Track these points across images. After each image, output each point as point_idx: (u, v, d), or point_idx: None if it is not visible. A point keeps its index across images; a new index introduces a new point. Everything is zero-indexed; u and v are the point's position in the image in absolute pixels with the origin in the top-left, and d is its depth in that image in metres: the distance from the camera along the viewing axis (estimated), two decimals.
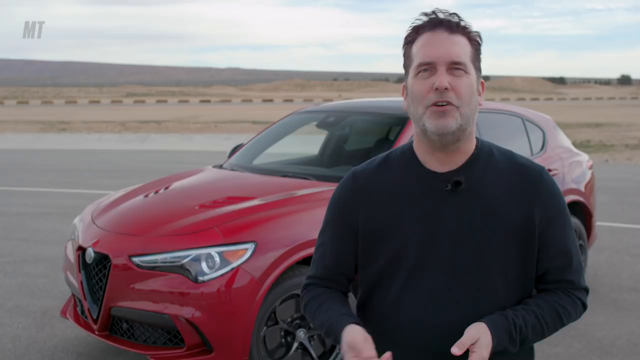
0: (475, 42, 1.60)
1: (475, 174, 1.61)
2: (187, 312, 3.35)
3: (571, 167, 5.49)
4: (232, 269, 3.38)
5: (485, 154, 1.64)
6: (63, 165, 14.51)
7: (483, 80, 1.65)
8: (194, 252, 3.43)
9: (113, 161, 15.31)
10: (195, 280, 3.37)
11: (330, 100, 40.68)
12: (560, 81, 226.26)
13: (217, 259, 3.40)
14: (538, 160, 5.20)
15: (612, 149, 18.13)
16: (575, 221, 5.29)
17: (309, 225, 3.54)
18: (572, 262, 1.66)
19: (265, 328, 3.50)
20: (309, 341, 3.59)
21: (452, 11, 1.59)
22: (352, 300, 2.34)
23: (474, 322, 1.55)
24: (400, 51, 1.65)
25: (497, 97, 78.55)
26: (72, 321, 3.96)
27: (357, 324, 1.58)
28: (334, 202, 1.74)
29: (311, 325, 3.49)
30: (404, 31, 1.64)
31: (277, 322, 3.54)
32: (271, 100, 71.23)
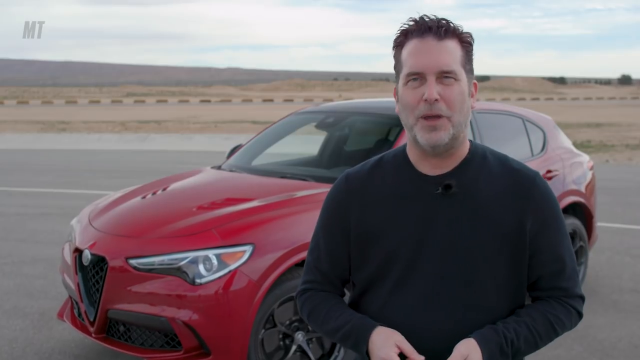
0: (466, 43, 1.57)
1: (467, 177, 1.60)
2: (184, 314, 3.32)
3: (572, 167, 5.46)
4: (229, 272, 3.35)
5: (478, 157, 1.63)
6: (63, 165, 14.49)
7: (476, 82, 1.63)
8: (191, 255, 3.40)
9: (113, 161, 15.28)
10: (193, 283, 3.34)
11: (331, 100, 40.66)
12: (561, 81, 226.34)
13: (215, 261, 3.37)
14: (539, 161, 5.18)
15: (612, 149, 18.10)
16: (575, 222, 5.26)
17: (307, 226, 3.50)
18: (566, 268, 1.63)
19: (263, 331, 3.47)
20: (308, 344, 3.56)
21: (440, 16, 1.56)
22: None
23: (464, 325, 1.55)
24: None
25: (498, 97, 78.60)
26: (69, 323, 3.93)
27: (377, 326, 1.58)
28: (327, 204, 1.73)
29: (310, 328, 3.47)
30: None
31: (275, 325, 3.51)
32: (271, 100, 71.24)
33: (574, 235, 5.24)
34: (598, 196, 6.03)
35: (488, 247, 1.57)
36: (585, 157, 5.82)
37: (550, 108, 46.49)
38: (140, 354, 3.48)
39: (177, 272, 3.38)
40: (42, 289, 5.39)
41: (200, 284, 3.33)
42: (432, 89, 1.51)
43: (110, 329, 3.62)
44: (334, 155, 5.09)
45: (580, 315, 1.67)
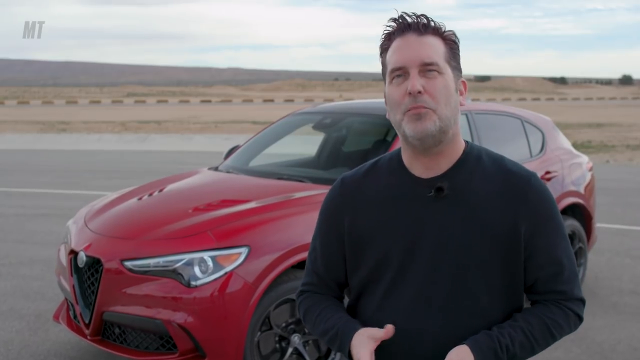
0: (449, 41, 1.57)
1: (460, 179, 1.58)
2: (179, 317, 3.30)
3: (571, 168, 5.44)
4: (225, 274, 3.33)
5: (473, 158, 1.61)
6: (63, 165, 14.48)
7: (464, 81, 1.62)
8: (186, 257, 3.38)
9: (113, 161, 15.27)
10: (188, 285, 3.32)
11: (331, 100, 40.64)
12: (562, 81, 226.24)
13: (210, 263, 3.35)
14: (537, 162, 5.16)
15: (613, 149, 18.08)
16: (574, 223, 5.24)
17: (304, 228, 3.49)
18: (563, 271, 1.60)
19: (259, 333, 3.44)
20: (304, 346, 3.54)
21: (419, 13, 1.56)
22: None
23: (457, 328, 1.54)
24: None
25: (499, 97, 78.56)
26: (65, 326, 3.91)
27: (360, 328, 1.58)
28: (323, 208, 1.75)
29: (306, 331, 3.45)
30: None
31: (271, 327, 3.48)
32: (272, 101, 71.21)
33: (573, 236, 5.22)
34: (598, 197, 6.02)
35: (480, 250, 1.55)
36: (584, 158, 5.80)
37: (551, 108, 46.47)
38: (136, 356, 3.45)
39: (173, 274, 3.36)
40: (39, 291, 5.37)
41: (196, 286, 3.31)
42: (415, 81, 1.51)
43: (105, 331, 3.60)
44: (331, 157, 5.06)
45: (580, 318, 1.63)
